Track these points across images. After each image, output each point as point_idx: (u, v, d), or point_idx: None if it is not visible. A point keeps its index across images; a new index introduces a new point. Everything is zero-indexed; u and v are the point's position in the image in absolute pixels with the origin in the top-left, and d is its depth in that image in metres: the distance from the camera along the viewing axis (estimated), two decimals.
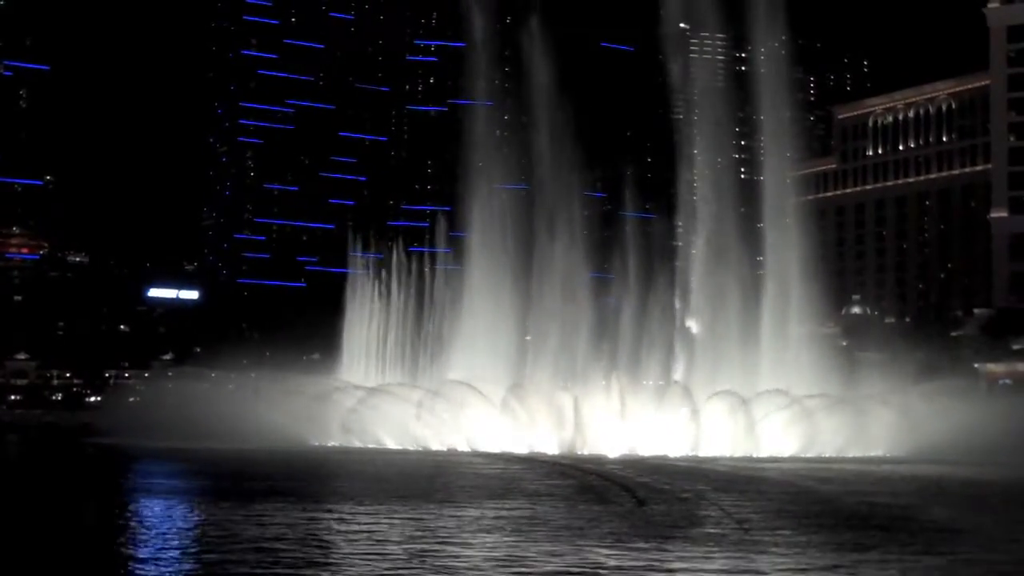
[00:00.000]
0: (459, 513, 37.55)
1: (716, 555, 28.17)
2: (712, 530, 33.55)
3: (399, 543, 30.56)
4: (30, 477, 58.19)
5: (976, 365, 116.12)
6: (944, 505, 42.34)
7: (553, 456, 75.54)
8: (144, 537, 31.76)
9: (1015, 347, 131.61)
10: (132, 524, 35.11)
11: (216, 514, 36.22)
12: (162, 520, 35.82)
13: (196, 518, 36.51)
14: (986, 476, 59.09)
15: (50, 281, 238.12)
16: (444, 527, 33.89)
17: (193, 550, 29.48)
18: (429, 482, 51.46)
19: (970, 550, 30.25)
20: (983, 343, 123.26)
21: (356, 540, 30.89)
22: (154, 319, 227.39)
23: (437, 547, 29.65)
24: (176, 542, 30.95)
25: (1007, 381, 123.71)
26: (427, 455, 78.43)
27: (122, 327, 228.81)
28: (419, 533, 32.65)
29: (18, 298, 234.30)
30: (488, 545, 30.23)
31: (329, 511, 37.30)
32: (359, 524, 34.25)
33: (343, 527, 33.71)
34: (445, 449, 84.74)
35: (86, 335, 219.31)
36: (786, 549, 29.47)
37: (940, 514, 38.58)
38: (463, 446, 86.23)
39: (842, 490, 48.43)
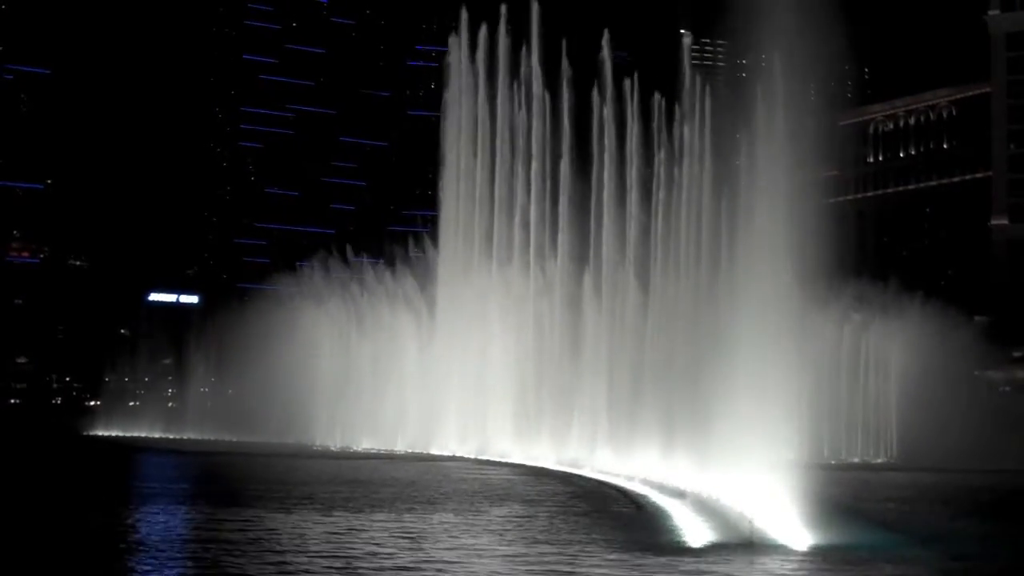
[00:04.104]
0: None
1: None
2: None
3: None
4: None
5: (976, 372, 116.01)
6: None
7: None
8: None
9: (1015, 354, 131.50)
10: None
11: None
12: None
13: None
14: None
15: (50, 285, 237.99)
16: None
17: None
18: None
19: None
20: (983, 350, 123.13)
21: None
22: (154, 323, 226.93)
23: None
24: None
25: (1007, 388, 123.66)
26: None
27: (122, 331, 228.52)
28: None
29: (18, 302, 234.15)
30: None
31: None
32: None
33: None
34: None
35: (86, 339, 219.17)
36: None
37: None
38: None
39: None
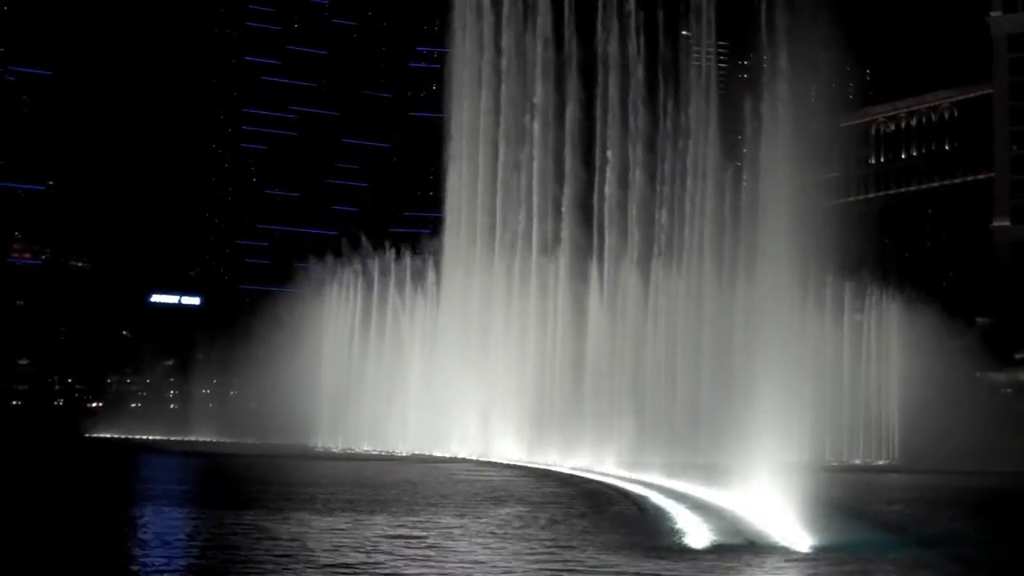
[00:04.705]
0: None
1: None
2: None
3: None
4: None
5: (978, 374, 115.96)
6: None
7: None
8: None
9: (1017, 356, 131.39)
10: None
11: None
12: None
13: None
14: None
15: (52, 287, 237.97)
16: None
17: None
18: None
19: None
20: (984, 352, 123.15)
21: None
22: (156, 325, 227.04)
23: None
24: None
25: (1008, 390, 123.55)
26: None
27: (124, 333, 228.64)
28: None
29: (20, 303, 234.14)
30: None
31: None
32: None
33: None
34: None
35: (88, 341, 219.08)
36: None
37: None
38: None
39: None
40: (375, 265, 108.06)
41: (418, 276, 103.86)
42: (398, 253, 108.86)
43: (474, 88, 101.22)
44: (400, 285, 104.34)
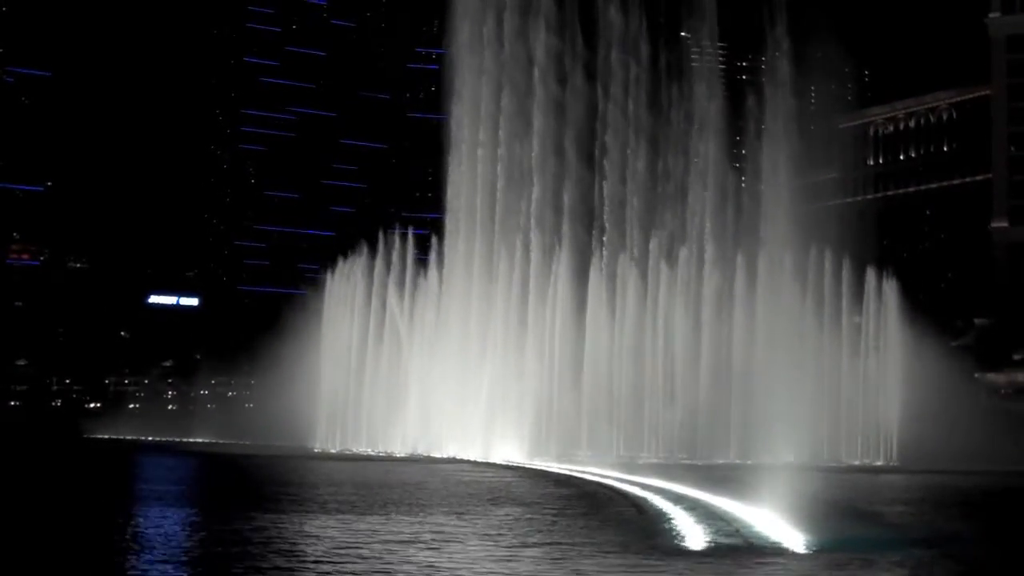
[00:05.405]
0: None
1: None
2: None
3: None
4: None
5: (976, 375, 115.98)
6: None
7: None
8: None
9: (1015, 357, 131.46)
10: None
11: None
12: None
13: None
14: None
15: (50, 287, 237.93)
16: None
17: None
18: None
19: None
20: (983, 353, 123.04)
21: None
22: (154, 326, 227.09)
23: None
24: None
25: (1007, 391, 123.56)
26: None
27: (122, 333, 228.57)
28: None
29: (18, 304, 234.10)
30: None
31: None
32: None
33: None
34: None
35: (86, 341, 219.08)
36: None
37: None
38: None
39: None
40: (375, 262, 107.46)
41: (418, 275, 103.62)
42: (404, 238, 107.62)
43: (475, 83, 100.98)
44: (399, 285, 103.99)
